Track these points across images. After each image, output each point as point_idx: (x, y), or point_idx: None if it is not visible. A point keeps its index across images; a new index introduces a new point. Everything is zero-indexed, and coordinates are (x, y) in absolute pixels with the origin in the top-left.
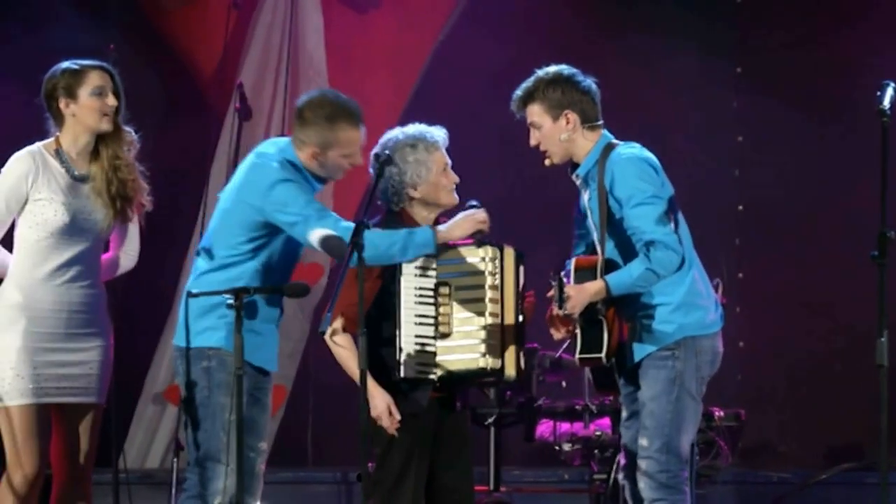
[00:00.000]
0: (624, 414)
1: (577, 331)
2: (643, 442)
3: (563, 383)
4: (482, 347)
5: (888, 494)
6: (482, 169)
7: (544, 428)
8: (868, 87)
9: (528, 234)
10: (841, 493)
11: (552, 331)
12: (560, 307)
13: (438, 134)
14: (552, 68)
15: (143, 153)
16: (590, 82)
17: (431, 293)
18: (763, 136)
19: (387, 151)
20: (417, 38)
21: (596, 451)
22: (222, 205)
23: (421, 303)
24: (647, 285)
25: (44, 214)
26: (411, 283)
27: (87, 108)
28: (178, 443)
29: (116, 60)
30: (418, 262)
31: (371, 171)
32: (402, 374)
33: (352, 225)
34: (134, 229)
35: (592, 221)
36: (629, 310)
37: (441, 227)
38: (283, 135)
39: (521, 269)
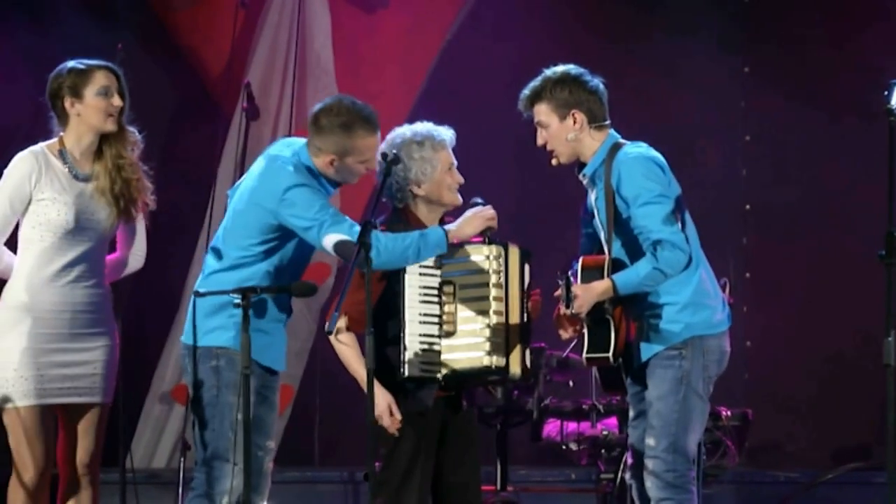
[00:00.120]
0: (631, 413)
1: (584, 330)
2: (650, 441)
3: (571, 383)
4: (487, 346)
5: None
6: (490, 168)
7: (551, 427)
8: (876, 87)
9: (535, 234)
10: (848, 493)
11: (559, 330)
12: (567, 306)
13: (446, 133)
14: (560, 68)
15: (151, 153)
16: (597, 82)
17: (436, 292)
18: (771, 136)
19: (394, 151)
20: (425, 37)
21: (603, 451)
22: (235, 205)
23: (425, 301)
24: (654, 284)
25: (47, 215)
26: (416, 282)
27: (92, 108)
28: (185, 442)
29: (124, 60)
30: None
31: (377, 169)
32: (406, 373)
33: None
34: (141, 230)
35: (599, 221)
36: (636, 309)
37: (451, 226)
38: (290, 134)
39: (527, 267)
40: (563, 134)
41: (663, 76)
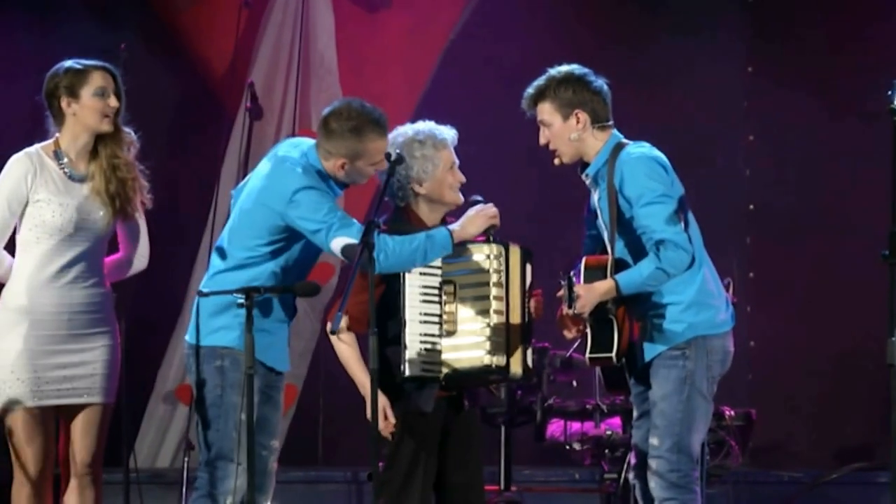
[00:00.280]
0: (634, 413)
1: (588, 330)
2: (654, 441)
3: (574, 383)
4: (487, 345)
5: None
6: (493, 168)
7: (555, 427)
8: (879, 87)
9: (538, 234)
10: (852, 493)
11: (563, 330)
12: (570, 307)
13: (448, 132)
14: (564, 67)
15: (151, 152)
16: (601, 82)
17: (436, 291)
18: (774, 136)
19: (398, 151)
20: (428, 37)
21: (606, 451)
22: (241, 205)
23: (426, 301)
24: (657, 284)
25: (42, 216)
26: (416, 282)
27: (88, 109)
28: (188, 442)
29: (127, 60)
30: None
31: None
32: (407, 373)
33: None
34: (143, 229)
35: (602, 221)
36: (640, 309)
37: (455, 226)
38: (293, 134)
39: (528, 267)
40: (566, 133)
41: (666, 76)
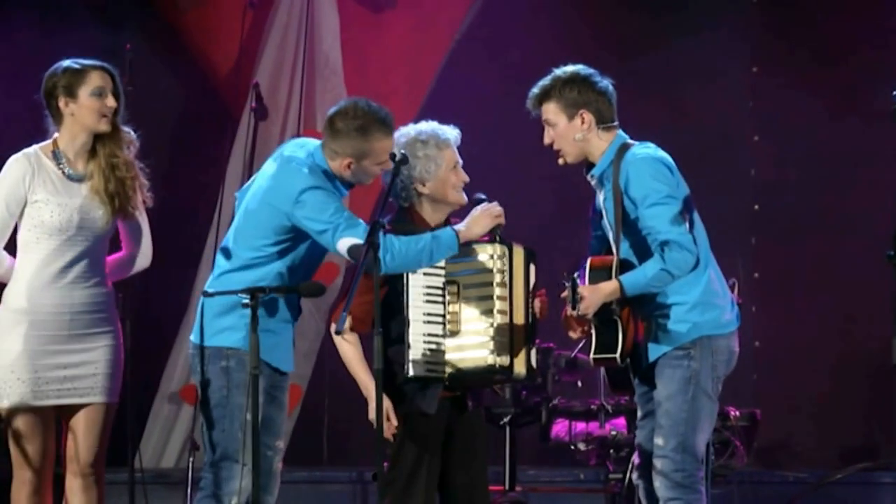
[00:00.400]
0: (638, 413)
1: (592, 331)
2: (658, 441)
3: (579, 383)
4: (491, 345)
5: None
6: (498, 168)
7: (560, 427)
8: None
9: (542, 234)
10: (857, 493)
11: (568, 331)
12: (573, 308)
13: (451, 132)
14: (570, 67)
15: (160, 153)
16: (607, 83)
17: (440, 291)
18: (779, 136)
19: (402, 151)
20: (433, 37)
21: (611, 451)
22: (247, 205)
23: (429, 301)
24: (662, 286)
25: (41, 216)
26: (420, 282)
27: (86, 109)
28: (193, 442)
29: (132, 60)
30: None
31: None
32: (411, 373)
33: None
34: (145, 228)
35: (608, 221)
36: (645, 310)
37: (460, 227)
38: (298, 134)
39: (532, 267)
40: (571, 134)
41: (671, 76)
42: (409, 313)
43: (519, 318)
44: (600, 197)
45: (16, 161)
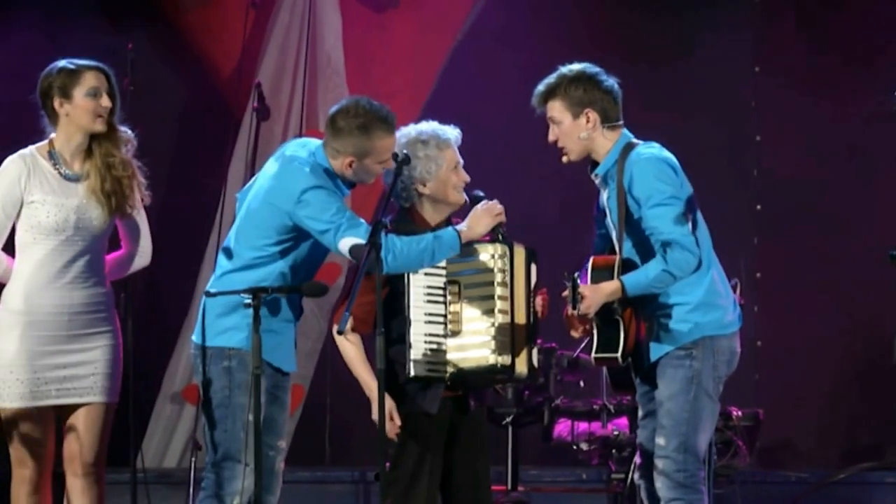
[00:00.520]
0: (640, 413)
1: (594, 330)
2: (660, 441)
3: (581, 383)
4: (492, 345)
5: None
6: (499, 168)
7: (562, 427)
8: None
9: (544, 234)
10: (859, 493)
11: (570, 330)
12: (574, 307)
13: (451, 132)
14: (576, 66)
15: (161, 152)
16: (612, 82)
17: (441, 291)
18: (781, 136)
19: (405, 151)
20: (436, 37)
21: (614, 451)
22: (249, 205)
23: (431, 301)
24: (664, 286)
25: (37, 217)
26: (421, 282)
27: (80, 109)
28: (195, 442)
29: (134, 60)
30: None
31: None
32: (412, 373)
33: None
34: (143, 226)
35: (611, 220)
36: (647, 309)
37: (462, 227)
38: (300, 134)
39: (533, 266)
40: (576, 132)
41: (673, 76)
42: (410, 313)
43: (520, 318)
44: (604, 196)
45: (12, 162)
